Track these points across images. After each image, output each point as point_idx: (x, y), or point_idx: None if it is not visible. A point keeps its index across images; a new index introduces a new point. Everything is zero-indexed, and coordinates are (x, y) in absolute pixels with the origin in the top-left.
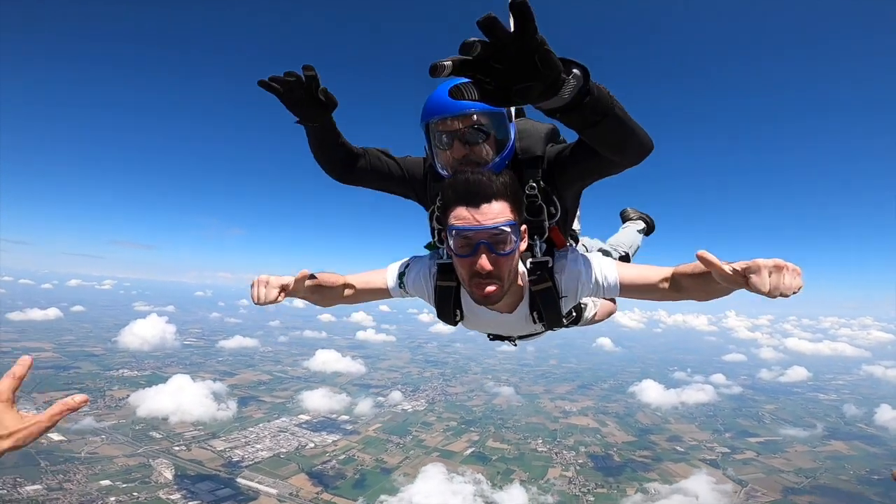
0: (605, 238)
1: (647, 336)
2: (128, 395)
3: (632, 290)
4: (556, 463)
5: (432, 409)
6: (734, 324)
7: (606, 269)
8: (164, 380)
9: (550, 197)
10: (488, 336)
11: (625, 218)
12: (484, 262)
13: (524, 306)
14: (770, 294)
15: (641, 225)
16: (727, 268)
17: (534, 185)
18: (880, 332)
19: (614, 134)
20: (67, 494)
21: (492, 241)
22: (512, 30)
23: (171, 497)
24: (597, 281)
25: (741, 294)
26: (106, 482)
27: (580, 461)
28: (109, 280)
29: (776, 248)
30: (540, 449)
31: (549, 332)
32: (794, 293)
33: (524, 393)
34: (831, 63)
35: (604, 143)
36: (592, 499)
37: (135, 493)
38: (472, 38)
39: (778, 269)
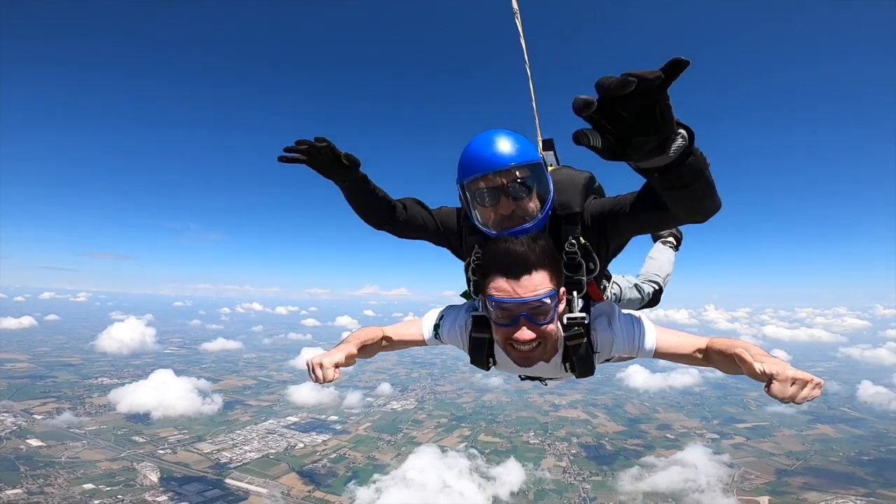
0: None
1: None
2: (107, 403)
3: (665, 356)
4: (550, 454)
5: (422, 407)
6: (714, 316)
7: (645, 335)
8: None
9: (590, 253)
10: (520, 377)
11: (656, 236)
12: (524, 333)
13: (558, 357)
14: (783, 402)
15: (673, 243)
16: (757, 368)
17: (573, 241)
18: (855, 319)
19: (700, 196)
20: (49, 498)
21: (532, 312)
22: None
23: (158, 499)
24: (633, 345)
25: (719, 287)
26: (89, 485)
27: (573, 451)
28: (84, 293)
29: (755, 244)
30: (532, 441)
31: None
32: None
33: (513, 389)
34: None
35: (686, 204)
36: (589, 486)
37: (119, 496)
38: (621, 77)
39: (802, 383)
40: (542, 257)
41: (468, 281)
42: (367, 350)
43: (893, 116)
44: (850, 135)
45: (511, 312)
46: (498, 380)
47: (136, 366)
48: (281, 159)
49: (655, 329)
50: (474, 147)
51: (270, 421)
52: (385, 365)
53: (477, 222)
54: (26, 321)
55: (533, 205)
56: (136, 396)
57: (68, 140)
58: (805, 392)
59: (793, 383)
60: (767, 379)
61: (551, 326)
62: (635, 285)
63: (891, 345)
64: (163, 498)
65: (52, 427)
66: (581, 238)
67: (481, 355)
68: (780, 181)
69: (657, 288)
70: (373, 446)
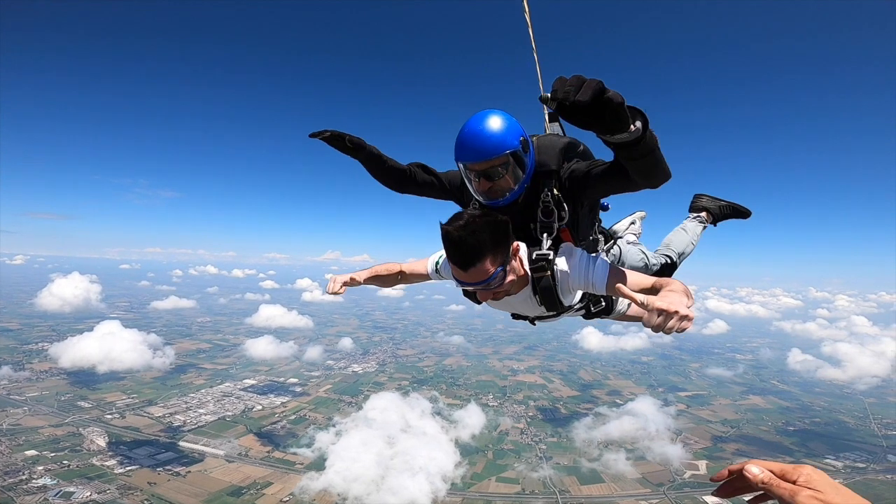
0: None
1: None
2: (49, 369)
3: (615, 293)
4: (508, 416)
5: (383, 370)
6: None
7: (598, 271)
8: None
9: (561, 203)
10: (511, 315)
11: (693, 207)
12: (483, 296)
13: (528, 289)
14: (653, 331)
15: (704, 217)
16: (637, 299)
17: (548, 193)
18: (789, 299)
19: (650, 167)
20: None
21: (484, 288)
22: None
23: (106, 463)
24: (585, 279)
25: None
26: (32, 452)
27: (530, 414)
28: (21, 256)
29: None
30: (491, 403)
31: (565, 316)
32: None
33: (473, 354)
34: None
35: (639, 173)
36: (545, 447)
37: (65, 462)
38: (561, 100)
39: (668, 314)
40: (485, 245)
41: None
42: (384, 279)
43: (849, 106)
44: (802, 128)
45: (467, 289)
46: (459, 340)
47: (79, 330)
48: (312, 136)
49: (610, 268)
50: (463, 136)
51: (227, 384)
52: (346, 329)
53: (471, 191)
54: None
55: (509, 183)
56: (79, 349)
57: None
58: (671, 323)
59: (660, 314)
60: (645, 309)
61: (505, 285)
62: (642, 252)
63: (820, 321)
64: (111, 462)
65: None
66: (555, 190)
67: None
68: (732, 169)
69: (668, 262)
70: (333, 408)
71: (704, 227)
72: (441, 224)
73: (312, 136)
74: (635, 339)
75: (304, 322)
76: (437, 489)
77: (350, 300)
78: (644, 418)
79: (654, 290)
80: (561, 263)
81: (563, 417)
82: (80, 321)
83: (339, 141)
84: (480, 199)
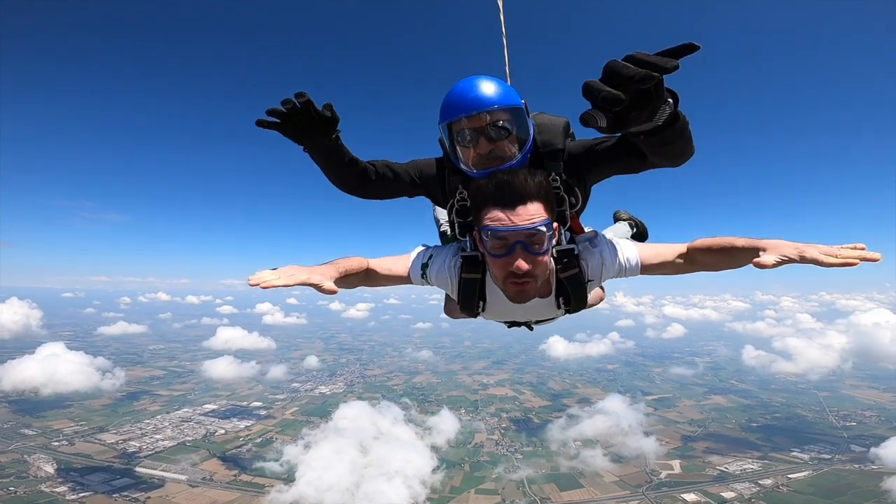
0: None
1: None
2: None
3: (651, 269)
4: (481, 429)
5: (352, 390)
6: (622, 301)
7: (628, 251)
8: None
9: (572, 188)
10: (506, 324)
11: (616, 219)
12: (521, 263)
13: (551, 294)
14: (824, 262)
15: (630, 227)
16: (774, 261)
17: (556, 176)
18: (738, 302)
19: (679, 149)
20: None
21: (528, 241)
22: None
23: (57, 490)
24: (619, 262)
25: (627, 280)
26: None
27: (503, 426)
28: None
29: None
30: (464, 418)
31: (563, 315)
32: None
33: (442, 371)
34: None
35: (666, 155)
36: (521, 456)
37: (11, 488)
38: (644, 73)
39: (810, 248)
40: (537, 189)
41: (451, 224)
42: (348, 280)
43: (784, 107)
44: (757, 127)
45: (507, 241)
46: (427, 355)
47: (19, 361)
48: (259, 124)
49: (636, 245)
50: (458, 89)
51: (185, 409)
52: (310, 352)
53: (458, 162)
54: None
55: (511, 147)
56: (20, 372)
57: None
58: (828, 248)
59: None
60: (792, 258)
61: (546, 258)
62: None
63: (768, 320)
64: (62, 488)
65: None
66: (563, 174)
67: (472, 297)
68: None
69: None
70: (301, 429)
71: (631, 233)
72: (476, 177)
73: (283, 103)
74: (599, 345)
75: (265, 344)
76: (415, 494)
77: (314, 323)
78: (616, 416)
79: (688, 254)
80: (588, 255)
81: (536, 427)
82: (19, 349)
83: (312, 114)
84: (473, 170)
